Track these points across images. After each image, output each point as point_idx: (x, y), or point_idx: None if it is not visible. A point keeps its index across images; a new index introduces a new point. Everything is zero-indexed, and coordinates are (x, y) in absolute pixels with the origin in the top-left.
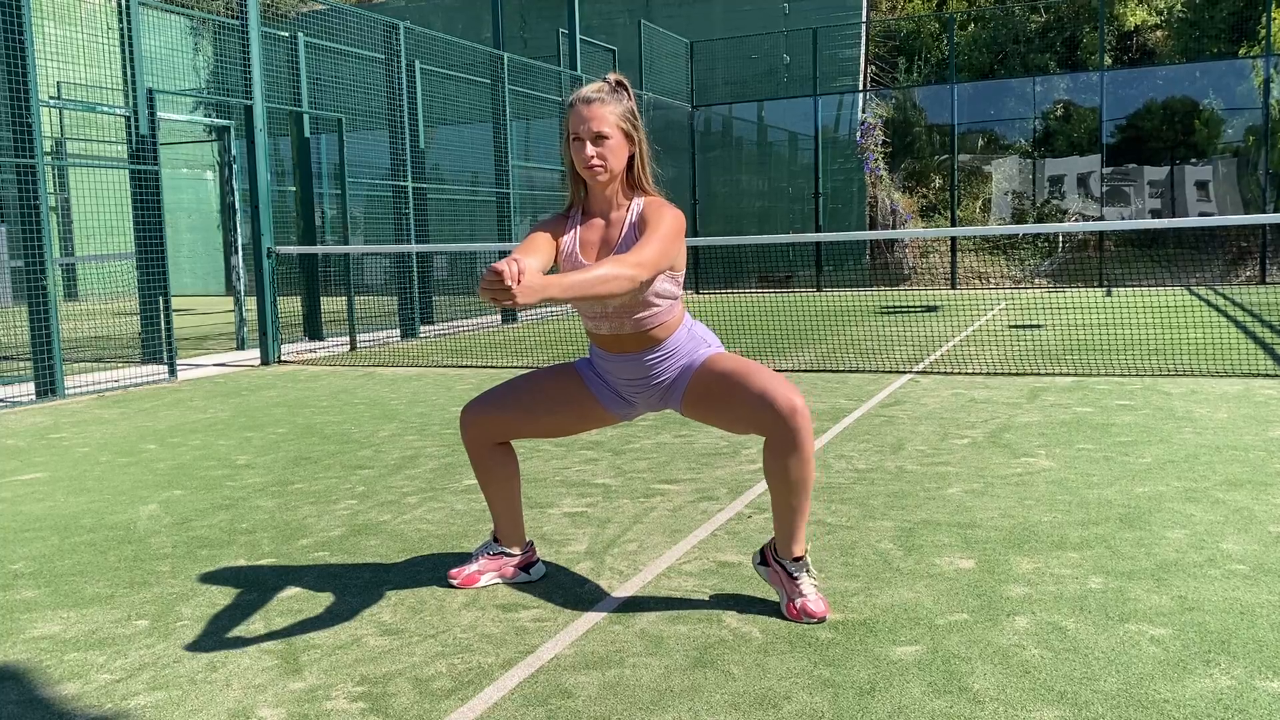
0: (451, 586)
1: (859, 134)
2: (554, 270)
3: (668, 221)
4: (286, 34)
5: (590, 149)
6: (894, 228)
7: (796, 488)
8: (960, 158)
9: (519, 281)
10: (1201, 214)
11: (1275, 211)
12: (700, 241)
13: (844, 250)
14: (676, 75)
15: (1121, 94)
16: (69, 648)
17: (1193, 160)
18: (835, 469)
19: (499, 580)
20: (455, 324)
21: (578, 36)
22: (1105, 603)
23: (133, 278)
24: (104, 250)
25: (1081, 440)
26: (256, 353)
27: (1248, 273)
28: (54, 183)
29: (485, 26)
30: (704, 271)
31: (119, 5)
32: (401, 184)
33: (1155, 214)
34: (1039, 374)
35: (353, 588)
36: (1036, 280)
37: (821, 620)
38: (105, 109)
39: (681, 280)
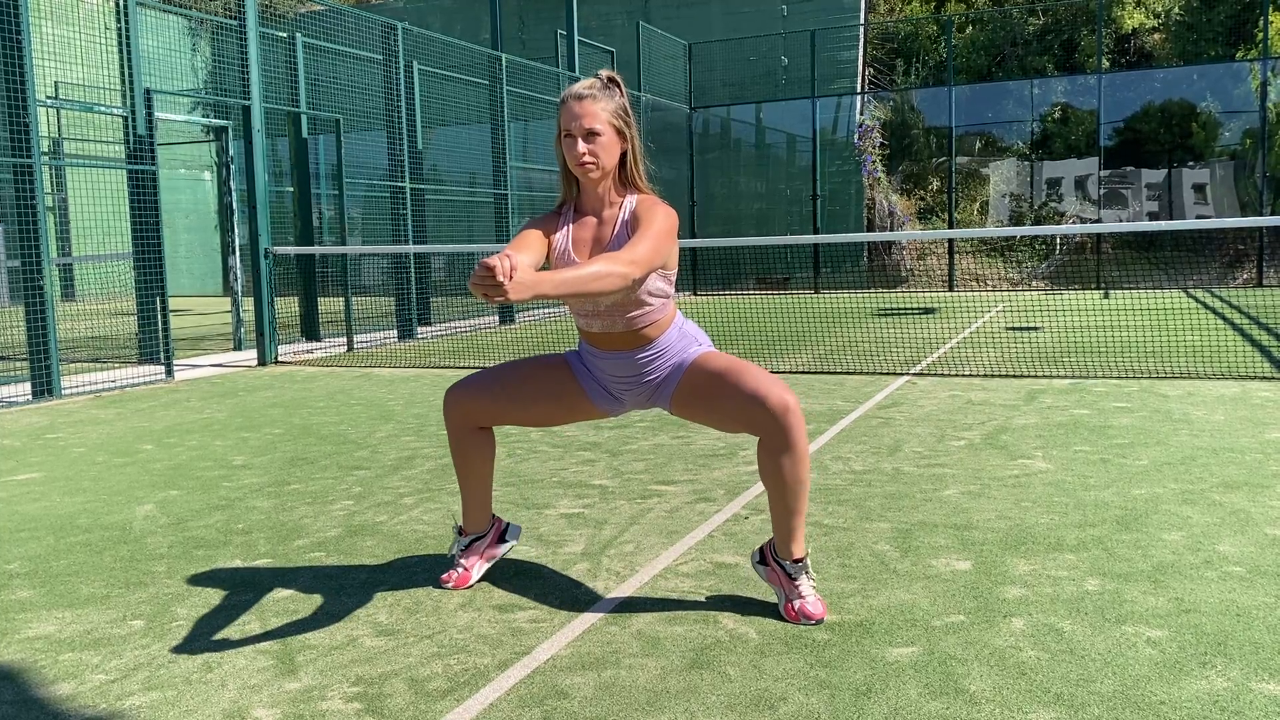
0: (447, 589)
1: (857, 136)
2: (546, 268)
3: (660, 219)
4: (285, 34)
5: (582, 145)
6: (892, 230)
7: (793, 487)
8: (958, 160)
9: (510, 277)
10: (1199, 216)
11: (1272, 214)
12: (698, 243)
13: (842, 252)
14: (674, 77)
15: (1119, 97)
16: (64, 648)
17: (1190, 163)
18: (832, 470)
19: (488, 565)
20: (453, 325)
21: (576, 38)
22: (1102, 604)
23: (130, 278)
24: (101, 250)
25: (1078, 442)
26: (253, 353)
27: (1245, 275)
28: (51, 183)
29: (483, 27)
30: (702, 273)
31: (117, 5)
32: (399, 185)
33: (1153, 216)
34: (1036, 376)
35: (349, 588)
36: (1034, 282)
37: (819, 622)
38: (103, 109)
39: (674, 279)
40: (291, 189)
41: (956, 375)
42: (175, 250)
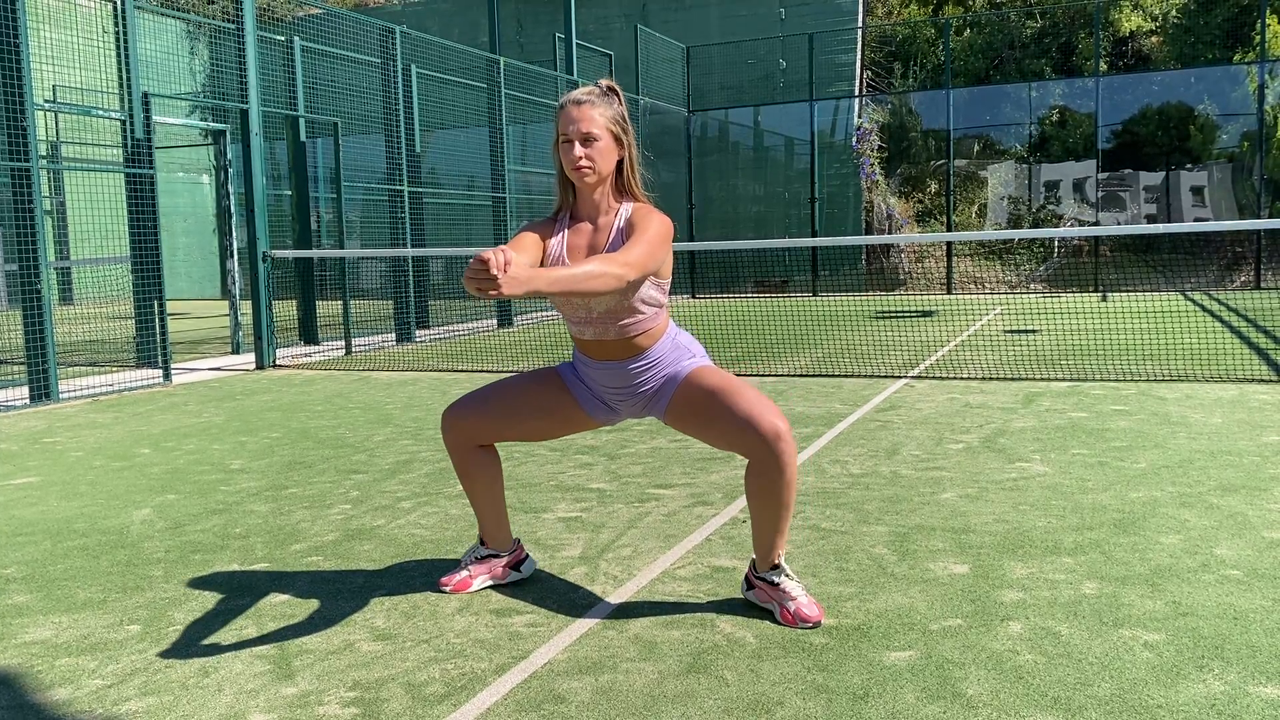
0: (444, 593)
1: (855, 139)
2: None
3: (655, 226)
4: (283, 38)
5: (579, 150)
6: (890, 233)
7: (778, 509)
8: (956, 163)
9: (504, 271)
10: (1197, 219)
11: (1270, 216)
12: (696, 246)
13: (840, 255)
14: (673, 80)
15: (1117, 99)
16: (60, 653)
17: (1188, 165)
18: (830, 474)
19: (491, 583)
20: (451, 328)
21: (574, 41)
22: (1099, 608)
23: (128, 281)
24: (99, 254)
25: (1076, 445)
26: (251, 357)
27: (1243, 278)
28: (49, 186)
29: (482, 31)
30: (700, 276)
31: (115, 9)
32: (397, 188)
33: (1151, 219)
34: (1034, 379)
35: (346, 593)
36: (1032, 285)
37: (817, 624)
38: (101, 113)
39: (667, 288)
40: (290, 192)
41: (954, 378)
42: (173, 253)
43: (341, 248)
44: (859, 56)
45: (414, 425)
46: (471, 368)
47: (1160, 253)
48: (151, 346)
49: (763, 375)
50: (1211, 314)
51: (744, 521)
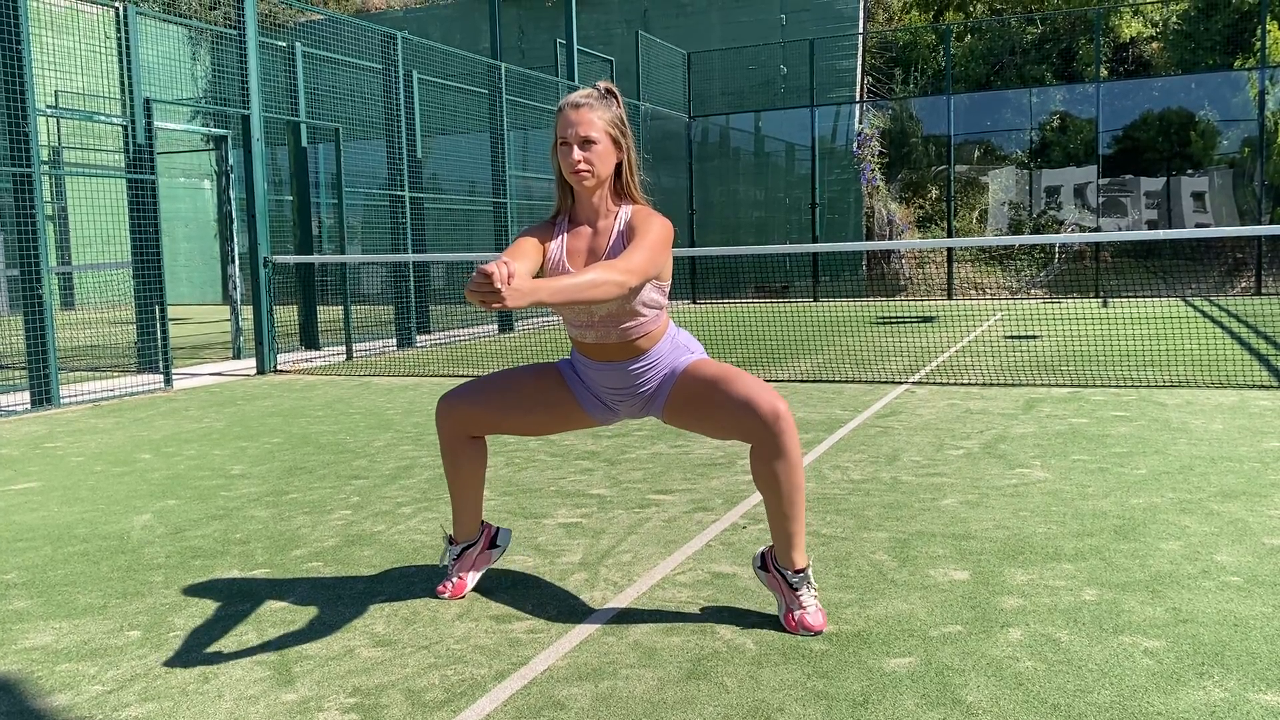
0: (444, 599)
1: (856, 144)
2: (540, 277)
3: (656, 230)
4: (284, 44)
5: (577, 153)
6: (890, 238)
7: (787, 493)
8: (957, 168)
9: (508, 283)
10: (1198, 225)
11: (1271, 223)
12: (697, 251)
13: (840, 260)
14: (674, 86)
15: (1117, 105)
16: (61, 658)
17: (1189, 171)
18: (830, 479)
19: (483, 571)
20: (452, 333)
21: (575, 47)
22: (1099, 614)
23: (129, 286)
24: (101, 259)
25: (1077, 451)
26: (252, 362)
27: (1243, 284)
28: (51, 191)
29: (483, 37)
30: (701, 281)
31: (117, 15)
32: (399, 193)
33: (1151, 225)
34: (1035, 385)
35: (346, 598)
36: (1033, 291)
37: (818, 634)
38: (103, 118)
39: (667, 290)
40: (291, 198)
41: (955, 384)
42: (174, 259)
43: (343, 253)
44: (860, 62)
45: (415, 430)
46: (472, 373)
47: (1161, 258)
48: (153, 351)
49: (763, 381)
50: (1212, 320)
51: (744, 528)
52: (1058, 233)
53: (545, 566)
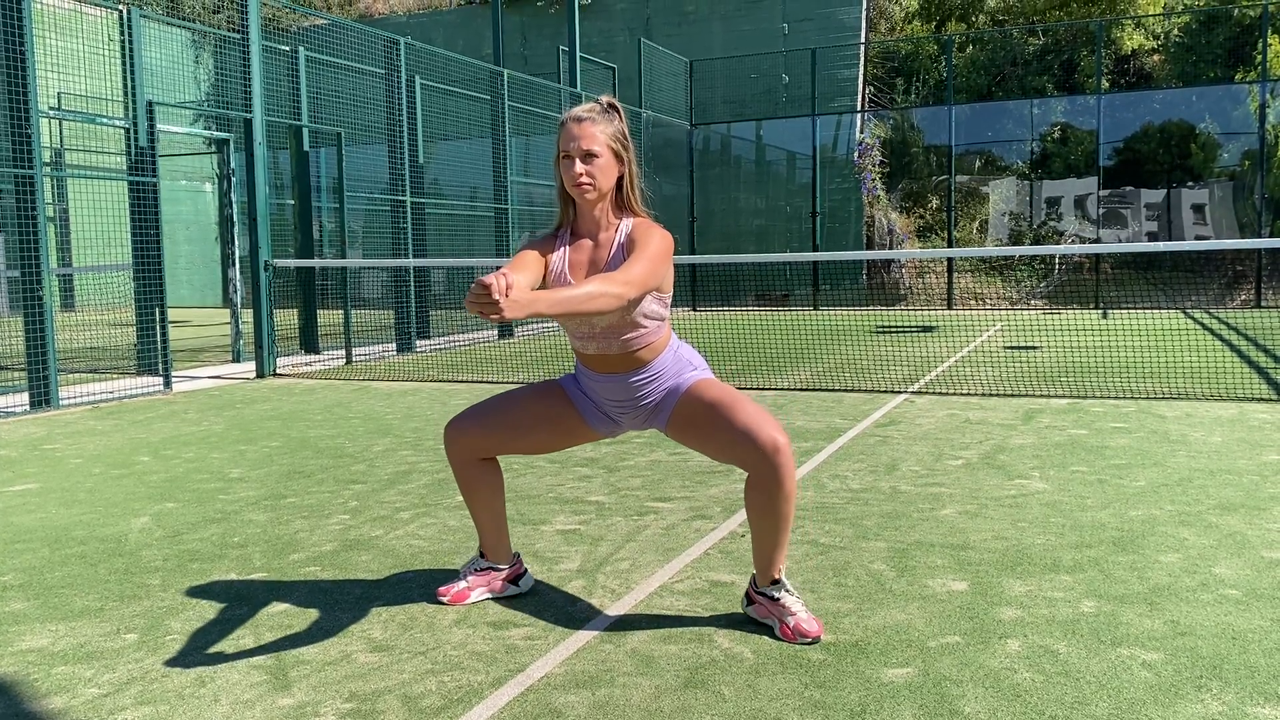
0: (442, 604)
1: (857, 154)
2: (543, 289)
3: (656, 242)
4: (287, 48)
5: (579, 166)
6: (891, 248)
7: (777, 522)
8: (957, 179)
9: (507, 295)
10: (1198, 237)
11: (1271, 235)
12: (698, 260)
13: (841, 270)
14: (675, 94)
15: (1118, 117)
16: (57, 661)
17: (1189, 184)
18: (829, 489)
19: (489, 595)
20: (451, 338)
21: (578, 54)
22: (1097, 626)
23: (129, 289)
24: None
25: (1075, 463)
26: (252, 365)
27: (1243, 296)
28: (52, 193)
29: (486, 43)
30: (701, 289)
31: (120, 18)
32: (400, 198)
33: (1152, 237)
34: (1034, 395)
35: (343, 603)
36: (1033, 302)
37: (816, 640)
38: (105, 120)
39: (669, 302)
40: (292, 201)
41: (954, 394)
42: (175, 261)
43: (343, 257)
44: (861, 72)
45: (414, 435)
46: (472, 378)
47: (1161, 270)
48: (152, 354)
49: (763, 389)
50: (1212, 332)
51: (743, 536)
52: (1058, 244)
53: (543, 573)
